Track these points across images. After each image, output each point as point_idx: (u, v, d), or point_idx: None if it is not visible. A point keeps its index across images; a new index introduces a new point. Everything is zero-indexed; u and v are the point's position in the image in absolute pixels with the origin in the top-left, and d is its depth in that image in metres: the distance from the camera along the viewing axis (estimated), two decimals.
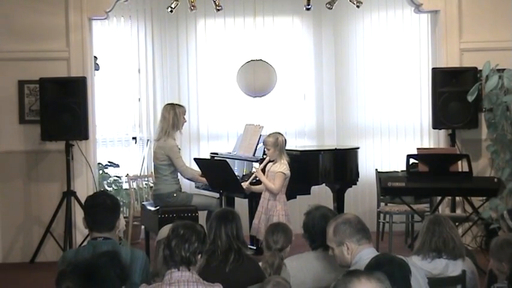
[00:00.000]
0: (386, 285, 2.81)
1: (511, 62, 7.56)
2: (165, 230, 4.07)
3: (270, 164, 6.55)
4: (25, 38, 7.83)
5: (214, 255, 4.34)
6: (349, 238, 3.85)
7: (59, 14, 7.85)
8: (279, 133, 6.63)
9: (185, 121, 7.50)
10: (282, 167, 6.41)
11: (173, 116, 7.32)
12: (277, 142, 6.46)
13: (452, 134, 7.86)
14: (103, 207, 4.11)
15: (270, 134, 6.62)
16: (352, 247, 3.84)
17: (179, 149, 7.42)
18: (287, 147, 6.74)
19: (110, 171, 8.91)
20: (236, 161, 7.63)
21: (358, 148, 7.83)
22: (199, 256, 3.83)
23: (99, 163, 8.49)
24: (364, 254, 3.75)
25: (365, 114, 9.31)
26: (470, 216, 7.24)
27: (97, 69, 8.46)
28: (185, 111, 7.49)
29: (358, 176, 7.68)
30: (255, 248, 7.34)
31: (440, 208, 7.64)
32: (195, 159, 7.33)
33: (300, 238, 4.65)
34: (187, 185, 8.30)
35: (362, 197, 9.04)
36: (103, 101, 8.85)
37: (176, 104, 7.56)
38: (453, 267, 4.40)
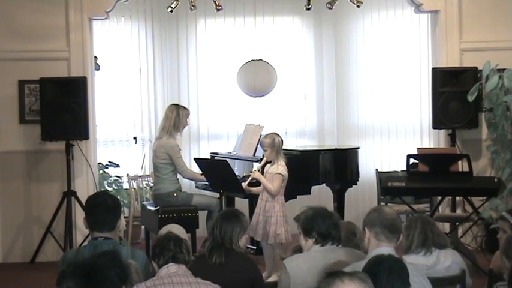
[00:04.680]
0: (369, 284, 2.81)
1: (511, 62, 7.56)
2: (165, 230, 4.07)
3: (268, 165, 6.54)
4: (25, 38, 7.82)
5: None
6: (370, 227, 3.90)
7: (59, 14, 7.85)
8: (276, 134, 6.61)
9: (187, 124, 7.50)
10: (280, 168, 6.40)
11: (175, 116, 7.32)
12: (273, 143, 6.45)
13: (452, 134, 7.86)
14: (104, 207, 4.12)
15: (267, 135, 6.61)
16: (369, 236, 3.89)
17: (179, 149, 7.43)
18: (287, 147, 6.73)
19: (110, 171, 8.91)
20: (236, 161, 7.64)
21: (358, 148, 7.83)
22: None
23: (99, 163, 8.49)
24: (381, 251, 3.73)
25: (365, 114, 9.30)
26: (471, 216, 7.24)
27: (97, 69, 8.46)
28: (189, 114, 7.48)
29: (358, 176, 7.68)
30: (254, 248, 7.35)
31: (440, 208, 7.64)
32: (195, 159, 7.33)
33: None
34: (187, 185, 8.30)
35: (362, 197, 9.03)
36: (103, 101, 8.84)
37: (181, 106, 7.56)
38: (444, 258, 4.49)
